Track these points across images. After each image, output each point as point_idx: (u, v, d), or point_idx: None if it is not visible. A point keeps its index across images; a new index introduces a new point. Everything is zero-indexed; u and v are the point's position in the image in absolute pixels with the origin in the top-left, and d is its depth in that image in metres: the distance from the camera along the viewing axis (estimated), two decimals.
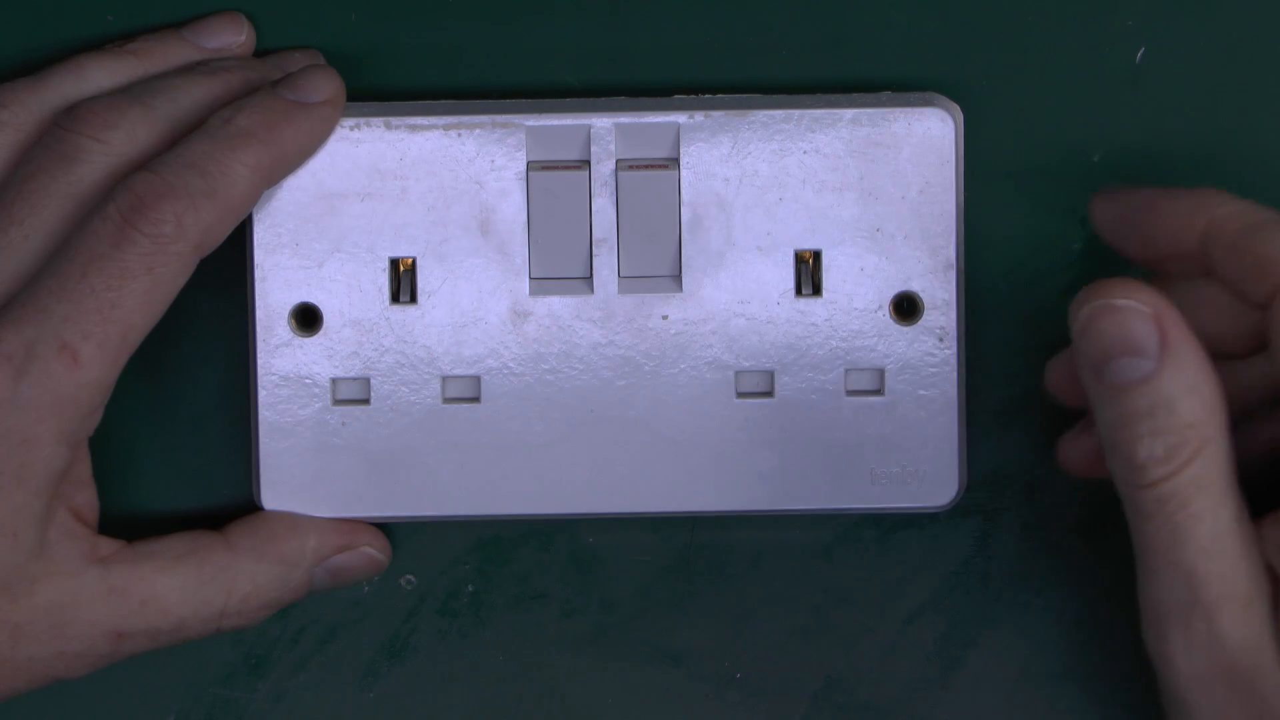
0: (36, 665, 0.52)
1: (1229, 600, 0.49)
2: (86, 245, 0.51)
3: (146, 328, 0.52)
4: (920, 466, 0.56)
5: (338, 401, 0.56)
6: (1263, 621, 0.49)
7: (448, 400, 0.56)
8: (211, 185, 0.52)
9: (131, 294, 0.51)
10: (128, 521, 0.57)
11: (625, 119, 0.55)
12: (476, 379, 0.56)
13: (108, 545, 0.53)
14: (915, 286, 0.55)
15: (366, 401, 0.56)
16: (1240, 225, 0.50)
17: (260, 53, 0.56)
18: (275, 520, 0.55)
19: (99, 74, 0.55)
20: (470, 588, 0.58)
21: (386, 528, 0.57)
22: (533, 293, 0.55)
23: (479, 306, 0.55)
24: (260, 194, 0.53)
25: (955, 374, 0.55)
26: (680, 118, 0.55)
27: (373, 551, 0.56)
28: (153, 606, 0.53)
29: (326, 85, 0.54)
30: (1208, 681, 0.49)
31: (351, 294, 0.55)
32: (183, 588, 0.54)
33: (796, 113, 0.55)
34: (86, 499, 0.53)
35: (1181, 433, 0.49)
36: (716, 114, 0.55)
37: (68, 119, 0.53)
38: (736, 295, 0.55)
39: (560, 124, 0.55)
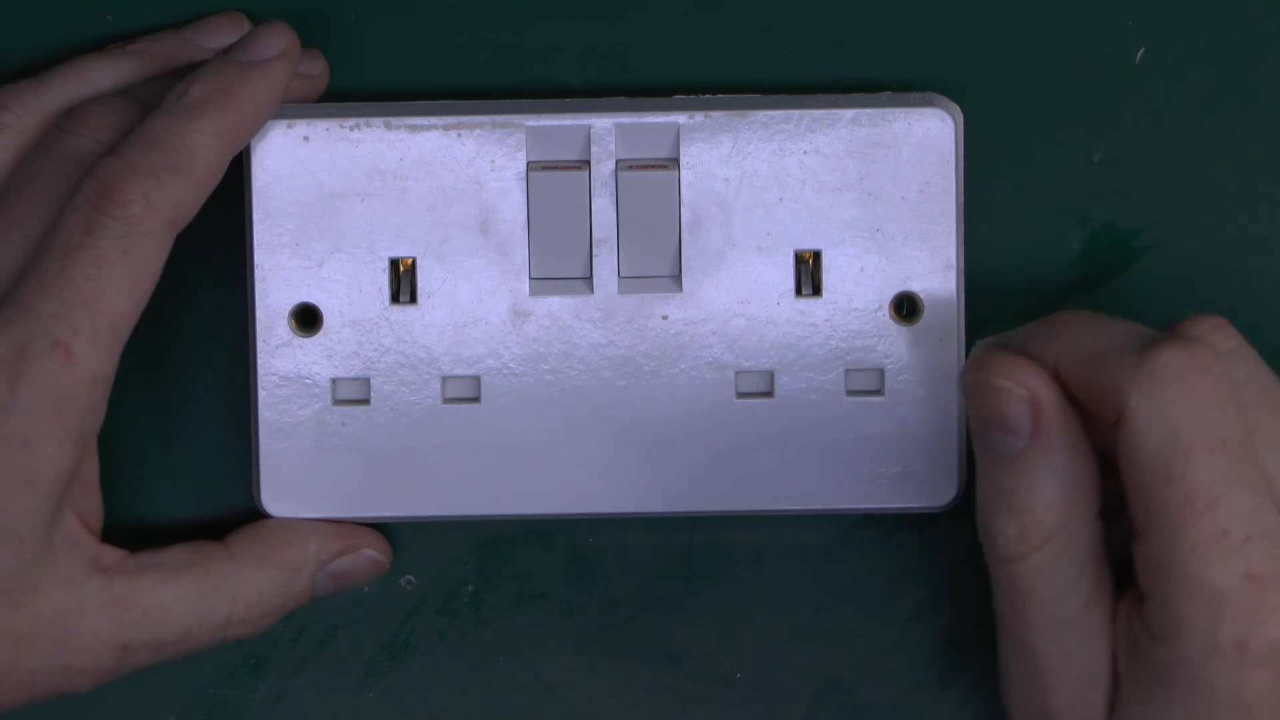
0: (40, 678, 0.52)
1: (1065, 684, 0.50)
2: (61, 238, 0.51)
3: (134, 313, 0.52)
4: (920, 466, 0.56)
5: (338, 402, 0.56)
6: (1095, 706, 0.50)
7: (448, 400, 0.56)
8: (175, 159, 0.51)
9: (112, 281, 0.51)
10: (127, 524, 0.57)
11: (625, 119, 0.55)
12: (476, 379, 0.56)
13: (110, 555, 0.53)
14: (915, 286, 0.55)
15: (366, 402, 0.56)
16: (1084, 355, 0.49)
17: None
18: (276, 527, 0.55)
19: (101, 75, 0.55)
20: (470, 588, 0.58)
21: (386, 528, 0.57)
22: (533, 293, 0.55)
23: (479, 306, 0.55)
24: (227, 161, 0.53)
25: (955, 374, 0.55)
26: (680, 118, 0.55)
27: (374, 554, 0.56)
28: (156, 618, 0.53)
29: (278, 40, 0.53)
30: None
31: (351, 294, 0.55)
32: (186, 598, 0.53)
33: (796, 113, 0.55)
34: (92, 505, 0.53)
35: (1036, 517, 0.49)
36: (716, 114, 0.55)
37: (68, 121, 0.54)
38: (736, 295, 0.55)
39: (560, 124, 0.55)
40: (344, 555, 0.56)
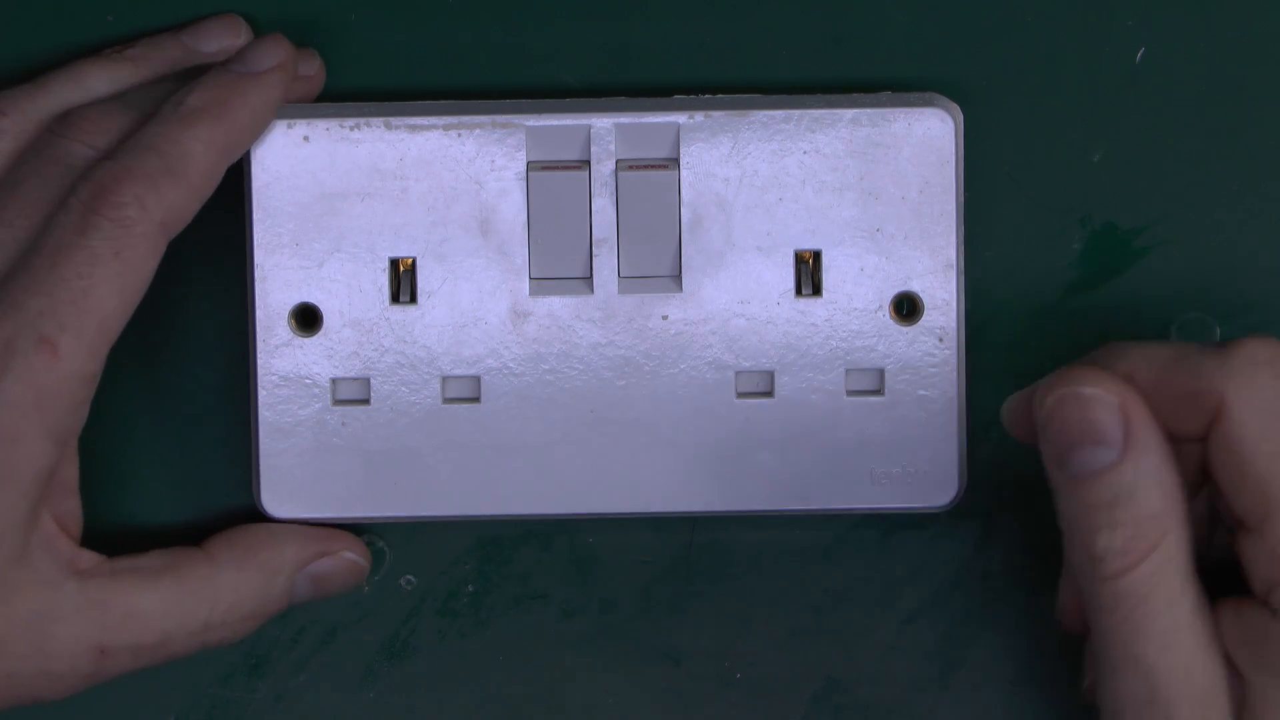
0: (18, 681, 0.52)
1: (1188, 698, 0.49)
2: (54, 237, 0.51)
3: (123, 315, 0.51)
4: (920, 466, 0.56)
5: (338, 402, 0.56)
6: (1222, 715, 0.49)
7: (448, 400, 0.56)
8: (169, 164, 0.52)
9: (102, 280, 0.51)
10: (126, 524, 0.57)
11: (625, 119, 0.55)
12: (476, 379, 0.56)
13: (87, 559, 0.53)
14: (915, 286, 0.55)
15: (366, 401, 0.56)
16: (1161, 363, 0.49)
17: None
18: (254, 531, 0.55)
19: (98, 80, 0.55)
20: (470, 588, 0.58)
21: (388, 528, 0.57)
22: (533, 293, 0.55)
23: (479, 306, 0.55)
24: (222, 169, 0.53)
25: (955, 374, 0.55)
26: (680, 118, 0.55)
27: (353, 556, 0.56)
28: (135, 621, 0.53)
29: (274, 52, 0.54)
30: None
31: (351, 294, 0.55)
32: (164, 601, 0.53)
33: (796, 113, 0.55)
34: (71, 507, 0.53)
35: (1141, 524, 0.49)
36: (716, 114, 0.55)
37: (62, 126, 0.54)
38: (736, 295, 0.55)
39: (560, 124, 0.55)
40: (322, 558, 0.55)
